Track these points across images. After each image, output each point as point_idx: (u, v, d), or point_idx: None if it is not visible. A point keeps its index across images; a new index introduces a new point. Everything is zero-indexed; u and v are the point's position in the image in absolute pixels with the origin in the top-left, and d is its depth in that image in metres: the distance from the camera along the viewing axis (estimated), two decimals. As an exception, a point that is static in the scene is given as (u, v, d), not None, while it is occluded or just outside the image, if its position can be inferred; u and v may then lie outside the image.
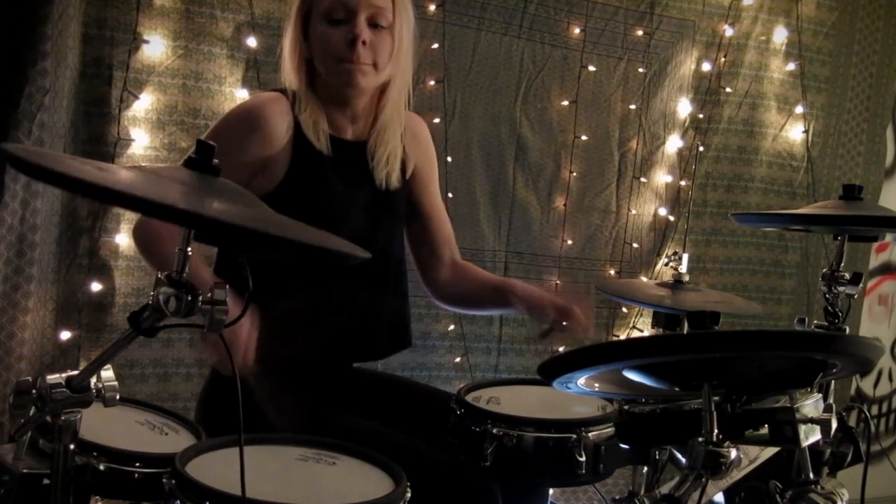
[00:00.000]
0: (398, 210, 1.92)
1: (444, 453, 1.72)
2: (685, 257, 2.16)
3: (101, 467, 1.35)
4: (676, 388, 1.35)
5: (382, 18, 1.76)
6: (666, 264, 2.71)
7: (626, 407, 1.56)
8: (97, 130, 2.37)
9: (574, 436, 1.70)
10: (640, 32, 3.02)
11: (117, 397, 1.14)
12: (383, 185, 1.85)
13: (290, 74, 1.82)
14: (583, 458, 1.69)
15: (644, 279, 3.09)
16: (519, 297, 1.88)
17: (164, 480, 1.27)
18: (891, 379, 3.68)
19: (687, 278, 2.18)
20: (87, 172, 0.95)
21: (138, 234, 1.80)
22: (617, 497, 2.80)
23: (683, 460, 1.72)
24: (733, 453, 1.22)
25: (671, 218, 3.13)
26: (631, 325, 3.14)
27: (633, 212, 3.11)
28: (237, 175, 1.53)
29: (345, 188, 1.81)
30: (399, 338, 1.97)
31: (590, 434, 1.71)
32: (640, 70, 3.05)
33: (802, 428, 1.29)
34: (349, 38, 1.73)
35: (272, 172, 1.75)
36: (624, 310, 3.11)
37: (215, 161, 1.10)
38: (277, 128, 1.75)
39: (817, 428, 1.30)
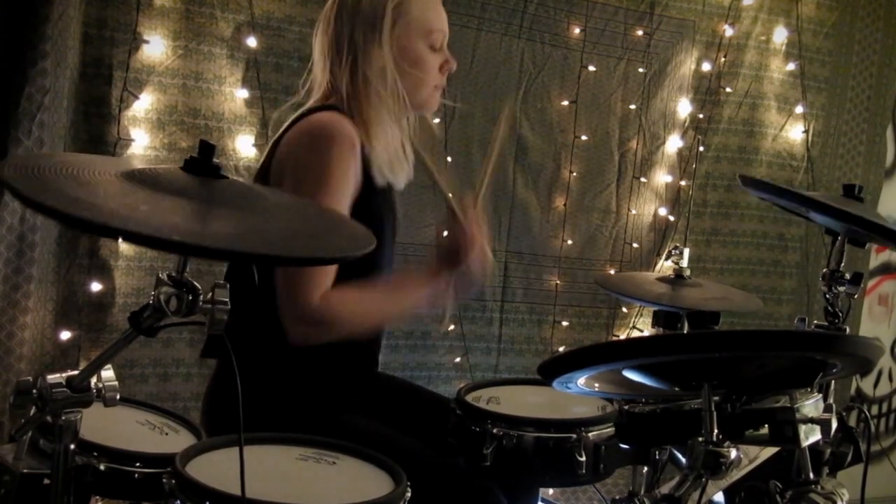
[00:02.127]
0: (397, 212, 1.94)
1: (446, 456, 1.72)
2: (686, 252, 2.16)
3: (102, 467, 1.35)
4: (676, 388, 1.35)
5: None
6: (667, 258, 2.71)
7: (626, 407, 1.55)
8: (97, 130, 2.37)
9: (574, 436, 1.70)
10: (640, 32, 3.02)
11: (117, 397, 1.14)
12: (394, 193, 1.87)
13: (377, 82, 1.70)
14: (583, 458, 1.69)
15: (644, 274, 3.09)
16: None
17: (164, 480, 1.27)
18: (891, 379, 3.68)
19: (688, 272, 2.17)
20: (78, 204, 0.94)
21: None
22: (617, 497, 2.79)
23: (683, 460, 1.72)
24: (733, 453, 1.22)
25: (671, 218, 3.13)
26: (631, 325, 3.14)
27: (633, 212, 3.11)
28: (346, 204, 1.57)
29: (388, 206, 1.82)
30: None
31: (590, 434, 1.72)
32: (640, 70, 3.05)
33: (802, 428, 1.29)
34: (444, 68, 1.77)
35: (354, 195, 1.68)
36: (624, 310, 3.12)
37: (216, 161, 1.10)
38: (358, 151, 1.66)
39: (817, 428, 1.30)
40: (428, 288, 1.75)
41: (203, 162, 1.09)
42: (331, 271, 1.58)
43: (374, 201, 1.71)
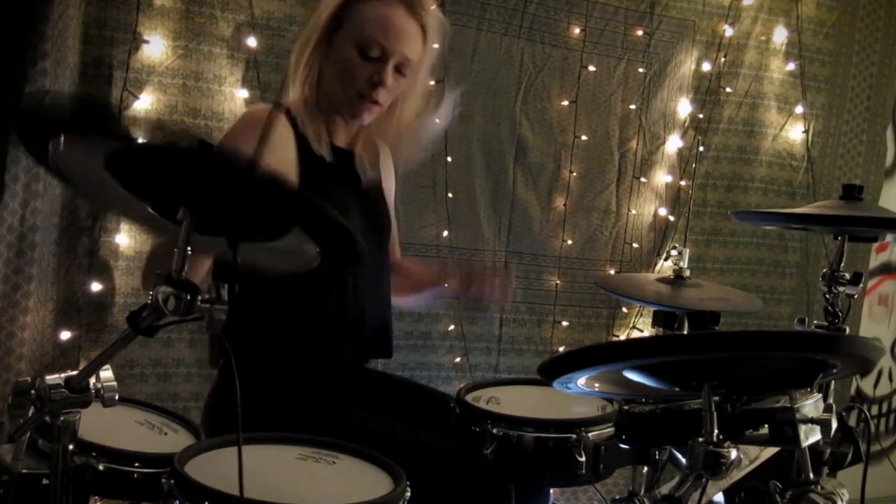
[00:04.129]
0: (386, 213, 1.94)
1: (455, 450, 1.71)
2: (686, 252, 2.15)
3: (101, 467, 1.35)
4: (676, 388, 1.35)
5: (408, 69, 1.78)
6: (667, 259, 2.70)
7: (626, 407, 1.55)
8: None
9: (574, 436, 1.70)
10: (640, 32, 3.02)
11: (116, 397, 1.14)
12: (371, 193, 1.89)
13: (298, 77, 1.80)
14: (583, 458, 1.69)
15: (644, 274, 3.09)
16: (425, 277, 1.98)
17: (163, 480, 1.27)
18: (891, 379, 3.67)
19: (688, 273, 2.17)
20: None
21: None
22: (617, 497, 2.79)
23: (683, 460, 1.72)
24: (733, 453, 1.22)
25: (671, 218, 3.13)
26: (631, 325, 3.14)
27: (633, 212, 3.10)
28: None
29: (345, 192, 1.83)
30: (383, 345, 1.96)
31: (590, 434, 1.71)
32: (640, 70, 3.05)
33: (802, 428, 1.29)
34: (374, 79, 1.74)
35: None
36: (624, 310, 3.11)
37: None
38: (284, 137, 1.74)
39: (817, 428, 1.30)
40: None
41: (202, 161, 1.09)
42: None
43: (316, 177, 1.75)
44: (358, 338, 1.83)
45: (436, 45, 1.85)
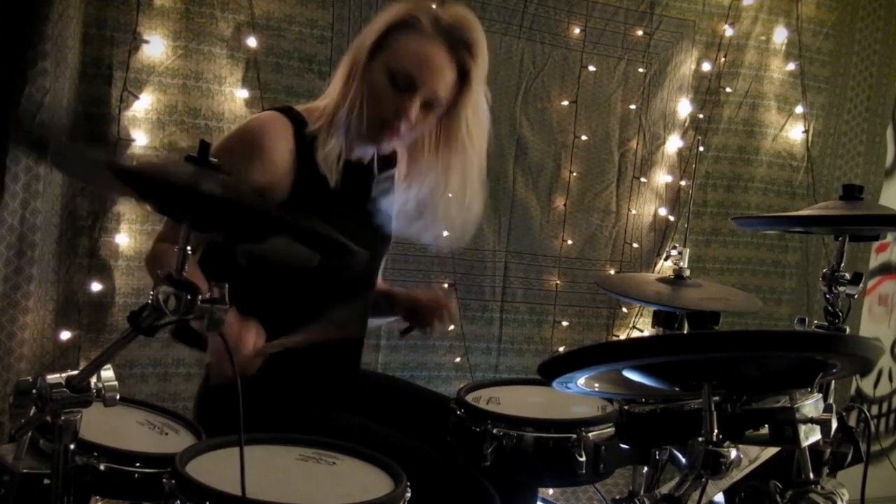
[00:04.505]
0: (388, 236, 1.92)
1: (442, 454, 1.72)
2: (686, 252, 2.15)
3: (102, 467, 1.35)
4: (676, 388, 1.35)
5: (437, 104, 1.75)
6: (666, 259, 2.70)
7: (626, 407, 1.55)
8: (97, 130, 2.37)
9: (574, 436, 1.70)
10: (640, 32, 3.02)
11: (117, 397, 1.14)
12: (375, 211, 1.85)
13: (334, 87, 1.76)
14: (583, 458, 1.69)
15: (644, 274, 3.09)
16: (399, 302, 1.97)
17: (164, 480, 1.27)
18: (891, 379, 3.68)
19: (688, 272, 2.17)
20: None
21: (150, 263, 1.77)
22: (617, 497, 2.80)
23: (683, 460, 1.72)
24: (733, 453, 1.22)
25: (671, 218, 3.13)
26: (631, 324, 3.14)
27: (633, 212, 3.11)
28: None
29: (347, 214, 1.79)
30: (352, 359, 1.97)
31: (590, 434, 1.72)
32: (640, 70, 3.05)
33: (802, 428, 1.29)
34: (399, 111, 1.71)
35: (274, 195, 1.70)
36: (624, 310, 3.11)
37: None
38: (278, 152, 1.71)
39: (817, 428, 1.30)
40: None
41: (202, 161, 1.09)
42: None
43: (313, 201, 1.72)
44: (337, 346, 1.84)
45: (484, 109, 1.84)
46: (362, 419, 1.77)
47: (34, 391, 1.10)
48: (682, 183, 3.14)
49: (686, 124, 3.13)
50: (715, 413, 1.23)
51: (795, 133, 3.28)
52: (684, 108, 3.12)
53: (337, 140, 1.74)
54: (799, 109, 3.25)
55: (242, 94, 2.52)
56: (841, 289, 1.82)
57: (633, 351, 1.24)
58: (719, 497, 1.93)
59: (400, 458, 1.42)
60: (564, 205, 3.00)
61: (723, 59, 3.12)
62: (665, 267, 2.97)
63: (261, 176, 1.68)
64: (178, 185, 1.01)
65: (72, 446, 1.14)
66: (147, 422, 1.60)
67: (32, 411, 1.11)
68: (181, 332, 1.89)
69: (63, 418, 1.12)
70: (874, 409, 3.64)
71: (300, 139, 1.73)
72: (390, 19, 1.72)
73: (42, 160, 2.11)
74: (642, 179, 3.10)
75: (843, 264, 1.83)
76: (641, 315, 3.11)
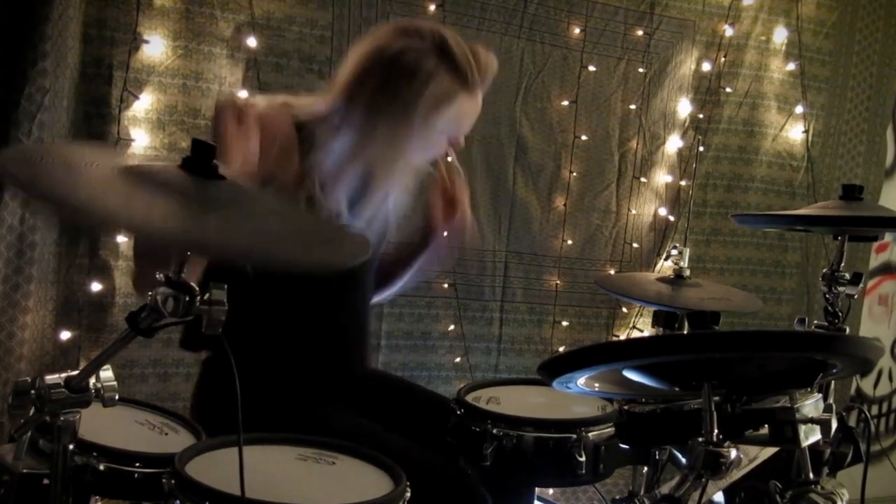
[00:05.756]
0: (385, 228, 1.93)
1: (439, 456, 1.72)
2: (686, 252, 2.15)
3: (101, 467, 1.35)
4: (676, 388, 1.35)
5: None
6: (666, 258, 2.70)
7: (626, 407, 1.55)
8: (97, 130, 2.37)
9: (574, 436, 1.70)
10: (640, 32, 3.02)
11: (116, 397, 1.14)
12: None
13: (340, 98, 1.72)
14: (583, 458, 1.69)
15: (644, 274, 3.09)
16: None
17: (163, 480, 1.27)
18: (891, 379, 3.67)
19: (688, 273, 2.17)
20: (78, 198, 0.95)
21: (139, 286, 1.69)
22: (617, 497, 2.79)
23: (683, 460, 1.72)
24: (733, 453, 1.22)
25: (671, 218, 3.13)
26: (631, 324, 3.14)
27: (633, 212, 3.10)
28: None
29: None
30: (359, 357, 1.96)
31: (590, 434, 1.72)
32: (640, 70, 3.05)
33: (802, 428, 1.29)
34: (440, 153, 1.81)
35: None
36: (624, 310, 3.11)
37: (214, 162, 1.10)
38: (291, 136, 1.69)
39: (817, 428, 1.30)
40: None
41: (199, 161, 1.08)
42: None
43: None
44: (341, 345, 1.84)
45: None
46: (357, 418, 1.76)
47: (33, 391, 1.10)
48: (682, 183, 3.13)
49: (686, 124, 3.13)
50: (715, 413, 1.23)
51: (795, 133, 3.28)
52: (684, 108, 3.12)
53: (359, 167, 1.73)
54: (799, 109, 3.25)
55: (242, 94, 2.52)
56: (841, 289, 1.82)
57: (633, 351, 1.24)
58: (719, 497, 1.93)
59: (390, 456, 1.42)
60: (564, 205, 3.00)
61: (723, 59, 3.12)
62: (665, 267, 2.97)
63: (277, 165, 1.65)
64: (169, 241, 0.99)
65: (71, 446, 1.14)
66: (146, 422, 1.60)
67: (32, 411, 1.11)
68: (188, 342, 1.89)
69: (62, 418, 1.12)
70: (874, 409, 3.64)
71: (300, 130, 1.70)
72: (444, 82, 1.68)
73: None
74: (642, 179, 3.10)
75: (842, 264, 1.83)
76: (641, 315, 3.10)
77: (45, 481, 1.22)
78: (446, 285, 2.85)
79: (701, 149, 3.13)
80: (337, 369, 1.90)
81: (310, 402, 1.74)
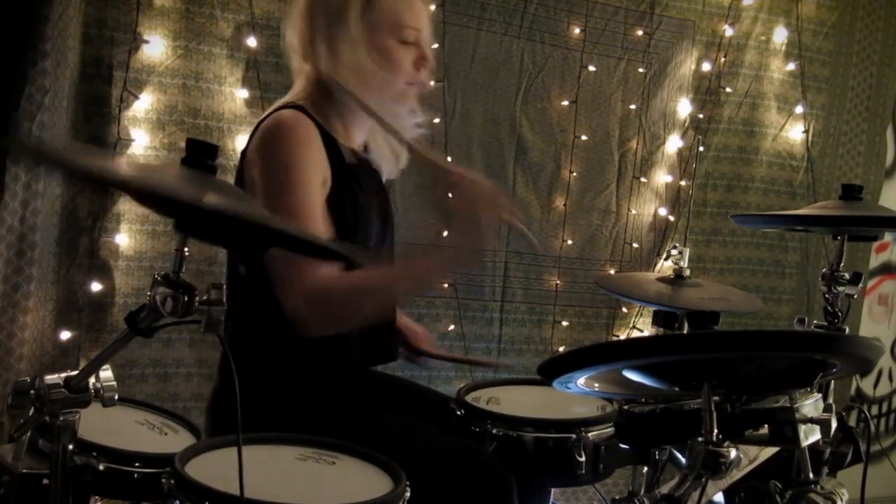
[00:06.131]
0: (392, 212, 1.93)
1: (455, 443, 1.69)
2: (686, 252, 2.15)
3: (101, 467, 1.35)
4: (676, 388, 1.35)
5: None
6: (666, 258, 2.69)
7: (626, 407, 1.55)
8: (97, 130, 2.37)
9: (574, 436, 1.70)
10: (640, 32, 3.02)
11: (116, 397, 1.14)
12: (383, 191, 1.87)
13: (308, 74, 1.73)
14: (583, 458, 1.69)
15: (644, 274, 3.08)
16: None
17: (163, 480, 1.27)
18: (891, 379, 3.67)
19: (688, 273, 2.17)
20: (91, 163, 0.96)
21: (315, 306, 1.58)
22: (617, 497, 2.80)
23: (683, 460, 1.72)
24: (733, 453, 1.22)
25: (671, 218, 3.13)
26: (631, 324, 3.14)
27: (633, 212, 3.10)
28: (317, 197, 1.58)
29: (370, 196, 1.79)
30: (387, 348, 1.94)
31: (590, 434, 1.72)
32: (640, 70, 3.05)
33: (802, 428, 1.28)
34: (420, 62, 1.73)
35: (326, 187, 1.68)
36: (624, 310, 3.11)
37: (215, 162, 1.10)
38: (317, 140, 1.68)
39: (817, 428, 1.30)
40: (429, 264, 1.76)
41: (197, 162, 1.08)
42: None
43: (350, 196, 1.70)
44: (364, 340, 1.83)
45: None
46: (375, 415, 1.75)
47: (32, 391, 1.10)
48: (682, 183, 3.13)
49: (686, 124, 3.13)
50: (715, 413, 1.23)
51: (795, 133, 3.28)
52: (684, 108, 3.12)
53: (341, 120, 1.74)
54: (799, 109, 3.25)
55: (242, 94, 2.52)
56: (841, 289, 1.82)
57: (633, 351, 1.24)
58: (719, 497, 1.93)
59: (414, 451, 1.42)
60: (564, 205, 3.00)
61: (723, 59, 3.12)
62: (665, 267, 2.96)
63: (321, 167, 1.65)
64: (177, 201, 1.00)
65: (71, 446, 1.14)
66: (146, 422, 1.60)
67: (31, 411, 1.11)
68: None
69: (62, 419, 1.12)
70: (874, 409, 3.64)
71: (319, 127, 1.70)
72: None
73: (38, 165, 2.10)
74: (642, 179, 3.10)
75: (842, 264, 1.83)
76: (641, 315, 3.10)
77: (45, 481, 1.22)
78: (446, 285, 2.85)
79: (701, 149, 3.13)
80: (354, 367, 1.90)
81: (325, 401, 1.72)
